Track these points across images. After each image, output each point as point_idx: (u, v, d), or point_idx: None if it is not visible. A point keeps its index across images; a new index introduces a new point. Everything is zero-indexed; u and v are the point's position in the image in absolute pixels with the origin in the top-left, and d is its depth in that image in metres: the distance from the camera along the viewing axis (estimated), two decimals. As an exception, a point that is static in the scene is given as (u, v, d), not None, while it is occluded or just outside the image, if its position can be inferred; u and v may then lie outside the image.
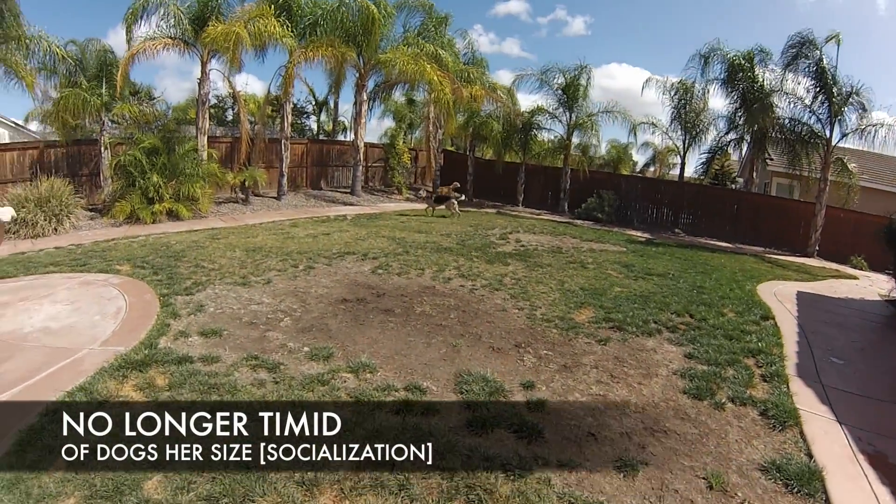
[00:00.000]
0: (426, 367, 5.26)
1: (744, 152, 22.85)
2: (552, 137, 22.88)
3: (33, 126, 24.23)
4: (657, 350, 6.34)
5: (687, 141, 21.95)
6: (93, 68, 15.23)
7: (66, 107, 14.30)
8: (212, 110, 23.26)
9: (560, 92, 21.38)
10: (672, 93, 21.31)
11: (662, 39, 71.50)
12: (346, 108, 26.37)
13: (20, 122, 24.56)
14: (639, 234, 16.93)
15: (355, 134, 20.08)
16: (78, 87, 14.60)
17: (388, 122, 31.26)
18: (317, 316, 6.52)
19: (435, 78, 18.06)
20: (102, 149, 15.09)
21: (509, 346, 6.19)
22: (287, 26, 16.50)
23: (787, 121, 16.99)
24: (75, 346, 5.58)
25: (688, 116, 21.45)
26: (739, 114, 19.42)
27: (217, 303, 6.89)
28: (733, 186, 26.10)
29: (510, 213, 19.99)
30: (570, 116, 21.52)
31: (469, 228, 14.42)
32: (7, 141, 19.92)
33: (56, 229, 12.66)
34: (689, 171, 23.78)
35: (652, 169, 37.73)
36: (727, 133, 21.20)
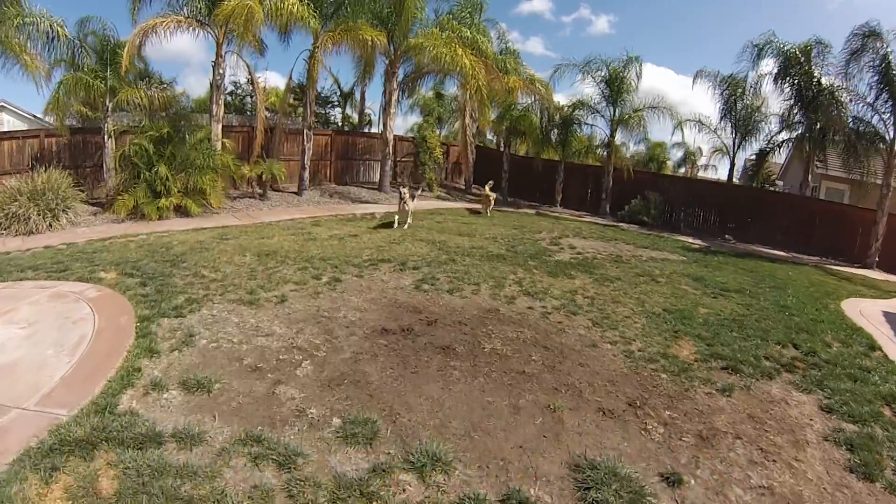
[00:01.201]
0: (524, 455, 3.41)
1: (787, 153, 21.10)
2: (590, 134, 21.44)
3: (51, 119, 22.89)
4: (788, 401, 4.91)
5: (737, 140, 19.95)
6: (99, 51, 13.66)
7: (68, 92, 12.76)
8: (229, 98, 21.64)
9: (603, 85, 19.59)
10: (723, 87, 19.49)
11: (687, 39, 69.46)
12: (370, 102, 24.73)
13: (38, 115, 23.29)
14: (690, 240, 15.20)
15: (384, 125, 18.27)
16: (81, 71, 13.02)
17: (415, 118, 29.71)
18: (349, 357, 4.67)
19: (468, 62, 16.30)
20: (106, 137, 13.49)
21: (621, 405, 4.36)
22: (310, 6, 14.76)
23: (850, 119, 15.59)
24: (7, 400, 3.84)
25: (739, 113, 19.60)
26: (795, 111, 17.87)
27: (213, 331, 5.09)
28: (773, 189, 24.03)
29: (550, 213, 18.13)
30: (614, 112, 19.66)
31: (514, 231, 12.56)
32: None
33: (51, 225, 11.28)
34: (721, 173, 22.05)
35: (683, 170, 36.13)
36: (779, 132, 19.53)
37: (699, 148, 33.81)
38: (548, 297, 7.14)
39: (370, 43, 15.39)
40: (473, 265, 8.38)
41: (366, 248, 9.15)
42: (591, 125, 20.68)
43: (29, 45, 12.60)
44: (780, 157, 22.60)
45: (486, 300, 6.66)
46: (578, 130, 21.21)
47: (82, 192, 13.03)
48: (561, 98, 22.76)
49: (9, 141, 13.76)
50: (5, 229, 10.89)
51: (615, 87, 19.25)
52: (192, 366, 4.32)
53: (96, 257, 8.25)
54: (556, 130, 21.20)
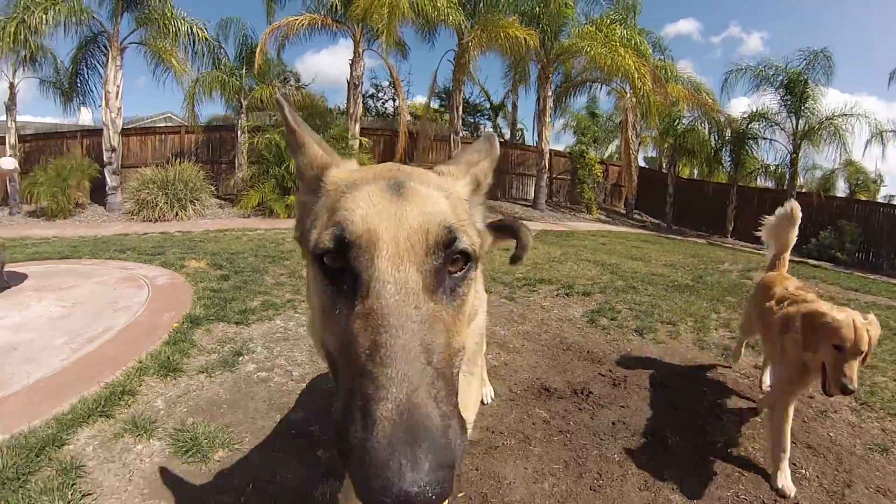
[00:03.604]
0: None
1: None
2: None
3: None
4: None
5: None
6: (237, 51, 13.67)
7: (204, 89, 12.75)
8: (370, 101, 20.99)
9: (783, 90, 15.58)
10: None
11: (845, 51, 60.95)
12: (522, 117, 22.74)
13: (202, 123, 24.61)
14: (902, 284, 10.84)
15: (539, 136, 16.09)
16: (218, 70, 13.00)
17: (567, 140, 27.31)
18: (476, 437, 2.54)
19: (631, 63, 13.71)
20: (239, 133, 13.19)
21: None
22: (454, 3, 13.37)
23: None
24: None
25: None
26: None
27: (272, 352, 3.29)
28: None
29: (722, 244, 14.59)
30: (798, 123, 15.58)
31: (692, 259, 9.79)
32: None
33: (178, 214, 11.23)
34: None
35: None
36: None
37: (880, 174, 27.13)
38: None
39: (523, 42, 13.50)
40: (660, 296, 5.94)
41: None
42: (771, 139, 16.63)
43: (175, 48, 12.41)
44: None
45: (691, 348, 4.24)
46: (755, 148, 17.31)
47: (214, 186, 12.93)
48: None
49: (152, 136, 14.43)
50: (135, 214, 11.08)
51: (797, 93, 15.20)
52: (211, 403, 2.52)
53: (199, 246, 7.31)
54: (727, 147, 17.64)
